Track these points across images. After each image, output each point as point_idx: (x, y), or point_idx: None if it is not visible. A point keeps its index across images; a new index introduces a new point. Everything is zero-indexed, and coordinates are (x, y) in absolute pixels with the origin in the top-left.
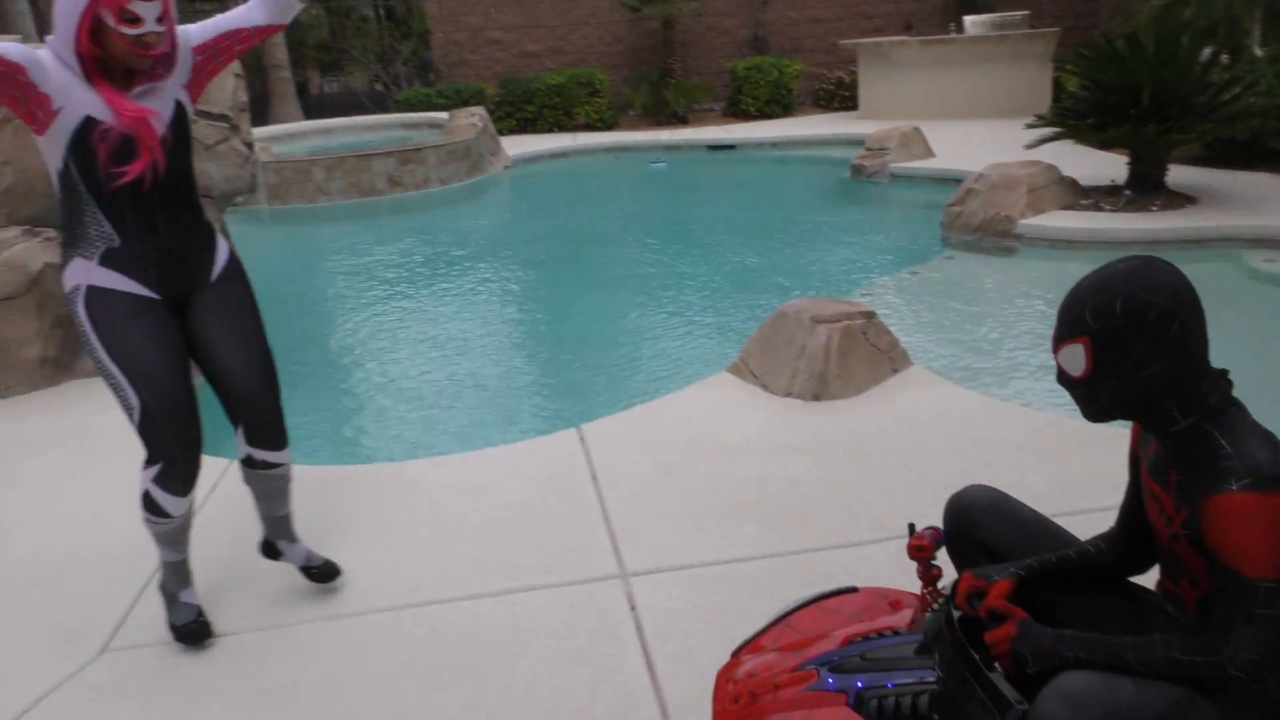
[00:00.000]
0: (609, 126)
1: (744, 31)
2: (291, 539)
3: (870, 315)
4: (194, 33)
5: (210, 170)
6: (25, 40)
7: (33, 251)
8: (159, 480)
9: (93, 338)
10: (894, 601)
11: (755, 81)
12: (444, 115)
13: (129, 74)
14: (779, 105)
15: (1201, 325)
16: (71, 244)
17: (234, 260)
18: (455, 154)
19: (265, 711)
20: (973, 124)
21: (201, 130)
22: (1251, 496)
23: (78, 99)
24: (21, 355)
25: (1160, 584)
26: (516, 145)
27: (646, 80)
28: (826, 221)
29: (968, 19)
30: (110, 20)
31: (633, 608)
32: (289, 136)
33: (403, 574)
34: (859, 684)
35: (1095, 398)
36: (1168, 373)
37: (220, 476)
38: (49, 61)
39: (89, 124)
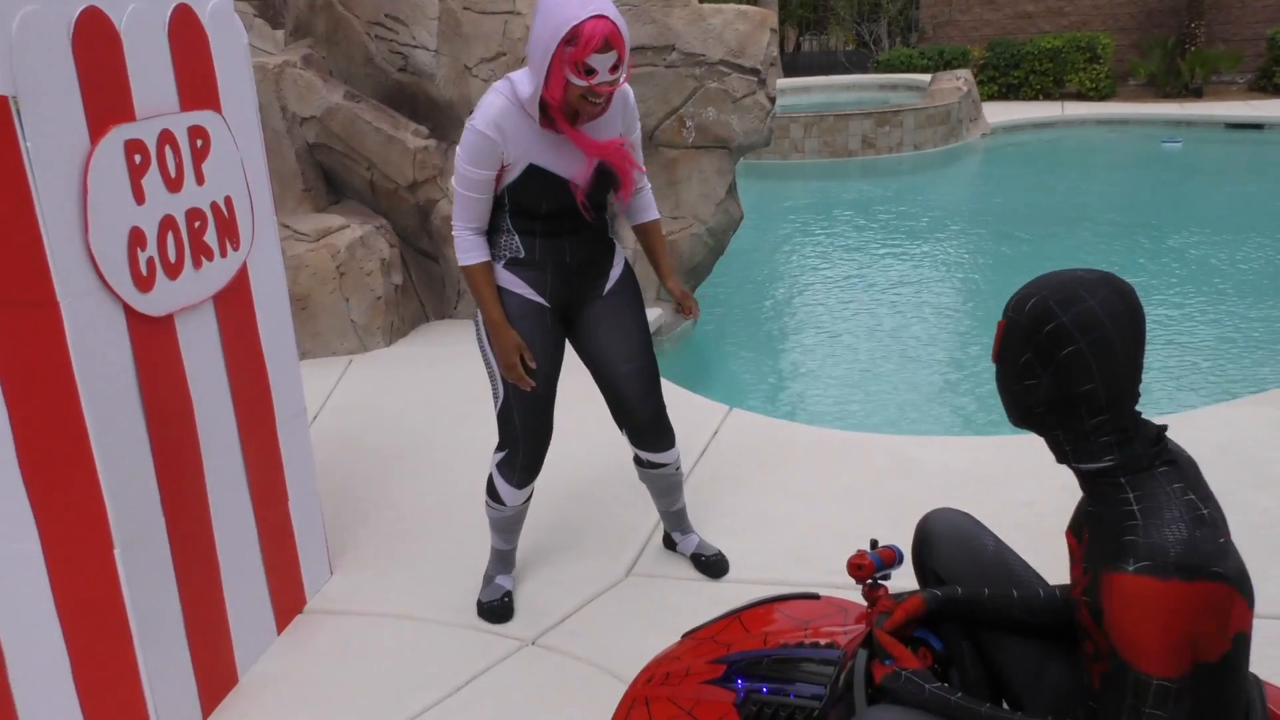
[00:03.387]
0: (1104, 96)
1: None
2: (684, 530)
3: None
4: (631, 136)
5: (733, 123)
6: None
7: None
8: (500, 466)
9: (481, 329)
10: (856, 615)
11: None
12: (924, 77)
13: (575, 115)
14: None
15: (1112, 365)
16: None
17: (628, 272)
18: (934, 118)
19: None
20: None
21: (732, 83)
22: (1147, 581)
23: (527, 150)
24: None
25: (1079, 646)
26: (998, 112)
27: (1160, 46)
28: None
29: None
30: (568, 72)
31: None
32: None
33: None
34: (763, 689)
35: (999, 389)
36: (1045, 394)
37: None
38: (500, 125)
39: (530, 171)
